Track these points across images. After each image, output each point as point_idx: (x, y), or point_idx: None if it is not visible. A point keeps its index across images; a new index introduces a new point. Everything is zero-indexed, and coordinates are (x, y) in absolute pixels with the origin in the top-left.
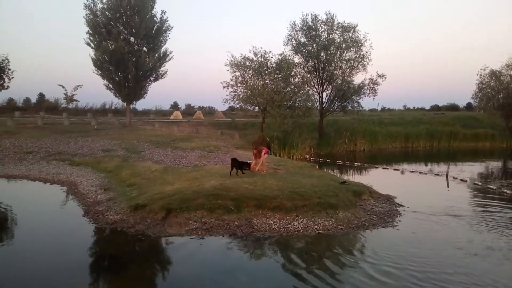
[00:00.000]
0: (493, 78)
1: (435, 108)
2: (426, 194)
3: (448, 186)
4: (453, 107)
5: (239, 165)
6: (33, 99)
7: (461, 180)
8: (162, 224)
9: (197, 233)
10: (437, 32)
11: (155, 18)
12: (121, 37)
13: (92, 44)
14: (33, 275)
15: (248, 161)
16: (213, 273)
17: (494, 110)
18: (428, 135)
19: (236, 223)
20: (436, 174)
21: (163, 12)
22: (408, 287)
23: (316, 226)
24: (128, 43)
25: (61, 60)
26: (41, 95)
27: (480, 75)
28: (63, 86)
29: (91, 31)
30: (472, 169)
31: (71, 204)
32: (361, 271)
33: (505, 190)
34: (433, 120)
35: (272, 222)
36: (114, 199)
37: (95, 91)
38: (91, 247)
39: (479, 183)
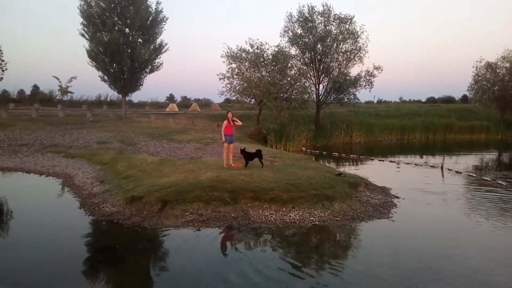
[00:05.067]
0: (489, 70)
1: (431, 100)
2: (421, 186)
3: (443, 178)
4: (448, 100)
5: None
6: (27, 91)
7: (456, 171)
8: (159, 216)
9: (193, 225)
10: (433, 24)
11: (150, 9)
12: (116, 28)
13: (86, 35)
14: (29, 267)
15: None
16: (209, 265)
17: (489, 102)
18: (424, 127)
19: (232, 214)
20: (431, 166)
21: (158, 3)
22: (403, 278)
23: (312, 218)
24: (123, 34)
25: (55, 52)
26: (36, 87)
27: (476, 67)
28: (57, 78)
29: (85, 22)
30: (467, 161)
31: (67, 196)
32: (357, 263)
33: (500, 182)
34: (428, 113)
35: (268, 213)
36: (110, 191)
37: (90, 83)
38: (88, 239)
39: (474, 175)
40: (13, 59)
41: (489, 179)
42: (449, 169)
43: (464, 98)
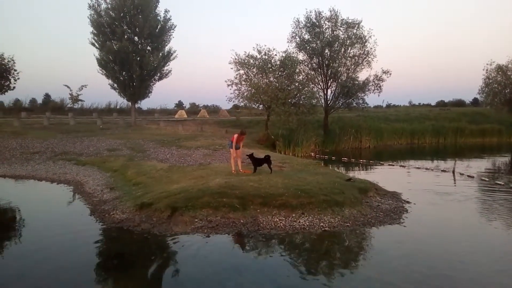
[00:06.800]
0: (500, 73)
1: (441, 104)
2: (433, 191)
3: (454, 182)
4: (459, 103)
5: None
6: (39, 100)
7: (468, 176)
8: (168, 222)
9: (202, 231)
10: (442, 27)
11: (158, 17)
12: (125, 36)
13: (96, 44)
14: (40, 274)
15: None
16: (219, 271)
17: (500, 105)
18: (434, 131)
19: (241, 221)
20: (442, 170)
21: (166, 11)
22: (415, 285)
23: (322, 224)
24: (132, 43)
25: (66, 60)
26: (47, 96)
27: (487, 70)
28: (68, 86)
29: (95, 31)
30: (479, 165)
31: (78, 203)
32: (368, 269)
33: None
34: (439, 116)
35: (277, 219)
36: (120, 198)
37: (100, 91)
38: (98, 246)
39: (487, 179)
40: (25, 68)
41: (502, 183)
42: (461, 174)
43: (475, 101)
